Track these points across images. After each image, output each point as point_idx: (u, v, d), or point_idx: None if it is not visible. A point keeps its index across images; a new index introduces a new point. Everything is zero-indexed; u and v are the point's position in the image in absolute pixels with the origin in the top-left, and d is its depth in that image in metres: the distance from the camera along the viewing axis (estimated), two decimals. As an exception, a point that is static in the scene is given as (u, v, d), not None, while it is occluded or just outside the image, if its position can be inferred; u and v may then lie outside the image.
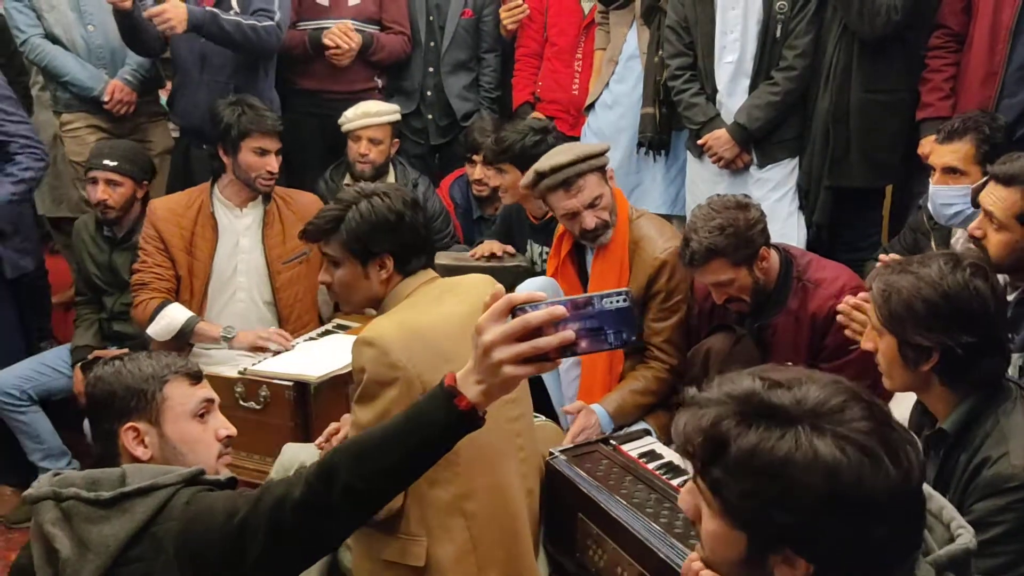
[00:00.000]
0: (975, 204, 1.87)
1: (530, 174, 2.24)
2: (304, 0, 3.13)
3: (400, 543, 1.63)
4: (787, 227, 2.65)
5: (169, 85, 3.23)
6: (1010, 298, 1.80)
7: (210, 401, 1.38)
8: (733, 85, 2.67)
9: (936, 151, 2.18)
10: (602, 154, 2.23)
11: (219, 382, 2.20)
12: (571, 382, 2.40)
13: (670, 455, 1.93)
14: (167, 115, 3.25)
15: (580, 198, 2.19)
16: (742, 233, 1.97)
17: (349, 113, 2.95)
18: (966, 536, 0.84)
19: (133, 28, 2.85)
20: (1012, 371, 1.68)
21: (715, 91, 2.70)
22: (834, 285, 2.04)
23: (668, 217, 2.83)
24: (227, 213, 2.63)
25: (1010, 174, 1.75)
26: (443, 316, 1.59)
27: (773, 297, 2.09)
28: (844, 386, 0.79)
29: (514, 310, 0.94)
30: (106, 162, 2.70)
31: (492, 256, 2.79)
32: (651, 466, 1.88)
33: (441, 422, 1.01)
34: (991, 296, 1.37)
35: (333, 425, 1.90)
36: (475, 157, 3.08)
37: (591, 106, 3.04)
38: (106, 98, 3.04)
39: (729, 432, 0.77)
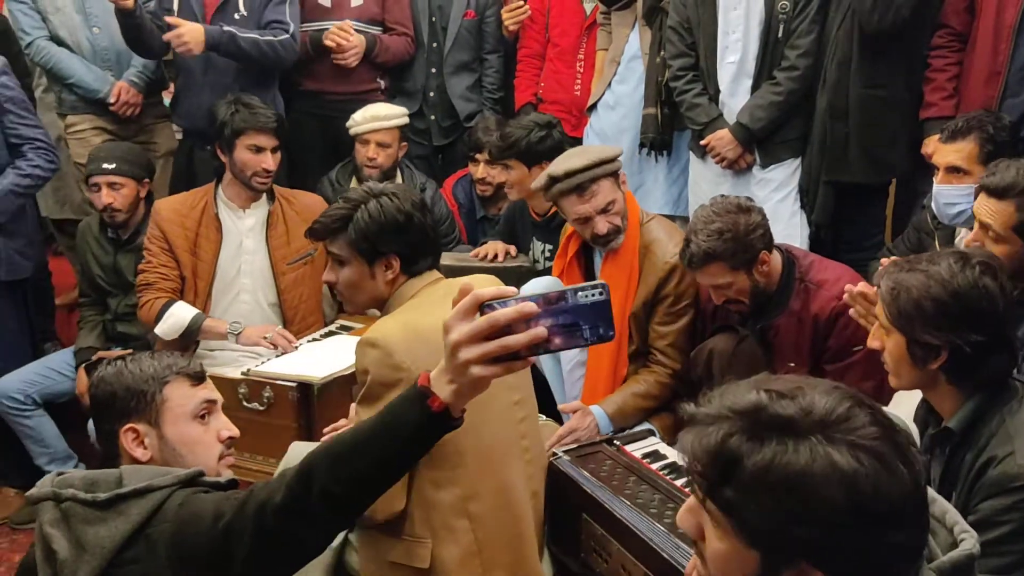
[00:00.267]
0: None
1: (543, 177, 2.22)
2: (307, 2, 3.14)
3: (405, 545, 1.63)
4: (790, 227, 2.65)
5: (172, 87, 3.24)
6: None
7: (212, 402, 1.38)
8: (735, 85, 2.67)
9: (940, 150, 2.18)
10: (615, 159, 2.22)
11: (222, 383, 2.19)
12: (575, 383, 2.40)
13: (674, 455, 1.93)
14: (171, 116, 3.26)
15: (593, 203, 2.17)
16: (741, 238, 1.97)
17: (357, 116, 2.94)
18: (969, 541, 0.82)
19: (135, 29, 2.86)
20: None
21: (717, 91, 2.70)
22: (836, 286, 2.03)
23: (671, 218, 2.83)
24: (230, 214, 2.63)
25: (1002, 186, 1.74)
26: (447, 317, 1.59)
27: (775, 298, 2.08)
28: (844, 392, 0.78)
29: (482, 307, 0.90)
30: (104, 165, 2.71)
31: (495, 257, 2.79)
32: (655, 466, 1.88)
33: (414, 423, 0.98)
34: (1000, 295, 1.37)
35: (341, 421, 1.90)
36: (478, 156, 3.09)
37: (593, 107, 3.04)
38: (112, 100, 3.05)
39: (740, 449, 0.74)
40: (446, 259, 2.69)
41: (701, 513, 0.79)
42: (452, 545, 1.62)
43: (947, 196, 2.12)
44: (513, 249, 2.86)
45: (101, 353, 2.71)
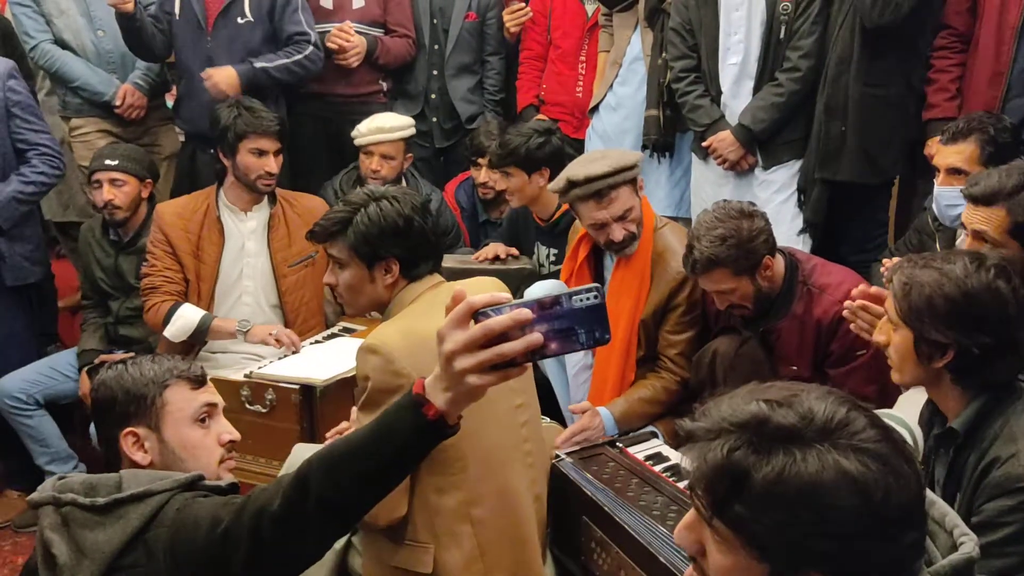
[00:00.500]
0: None
1: (561, 180, 2.19)
2: (308, 4, 3.14)
3: (408, 550, 1.62)
4: (792, 228, 2.65)
5: (175, 89, 3.24)
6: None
7: (212, 406, 1.37)
8: (737, 87, 2.67)
9: (940, 152, 2.17)
10: (635, 165, 2.19)
11: (225, 385, 2.20)
12: (580, 385, 2.40)
13: (676, 457, 1.93)
14: (174, 119, 3.26)
15: (611, 210, 2.14)
16: (744, 244, 1.95)
17: (362, 127, 2.93)
18: (969, 544, 0.81)
19: (136, 32, 2.86)
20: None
21: (719, 93, 2.70)
22: (839, 290, 2.02)
23: (673, 219, 2.83)
24: (232, 216, 2.64)
25: (989, 192, 1.73)
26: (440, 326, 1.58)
27: (777, 302, 2.07)
28: (838, 396, 0.77)
29: (476, 315, 0.89)
30: (107, 162, 2.71)
31: (496, 259, 2.79)
32: (657, 468, 1.88)
33: (409, 431, 0.97)
34: (1012, 298, 1.36)
35: (343, 424, 1.90)
36: (480, 160, 3.09)
37: (595, 108, 3.04)
38: (118, 102, 3.05)
39: (747, 463, 0.72)
40: (449, 262, 2.69)
41: (702, 529, 0.77)
42: (455, 550, 1.62)
43: (948, 198, 2.11)
44: (514, 250, 2.86)
45: (103, 356, 2.71)
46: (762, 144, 2.66)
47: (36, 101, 3.33)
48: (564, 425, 2.27)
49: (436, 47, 3.30)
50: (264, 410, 2.23)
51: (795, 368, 2.06)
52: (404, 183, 3.02)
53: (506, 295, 0.90)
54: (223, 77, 2.83)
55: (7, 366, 2.73)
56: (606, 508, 1.71)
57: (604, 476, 1.84)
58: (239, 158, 2.56)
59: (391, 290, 1.69)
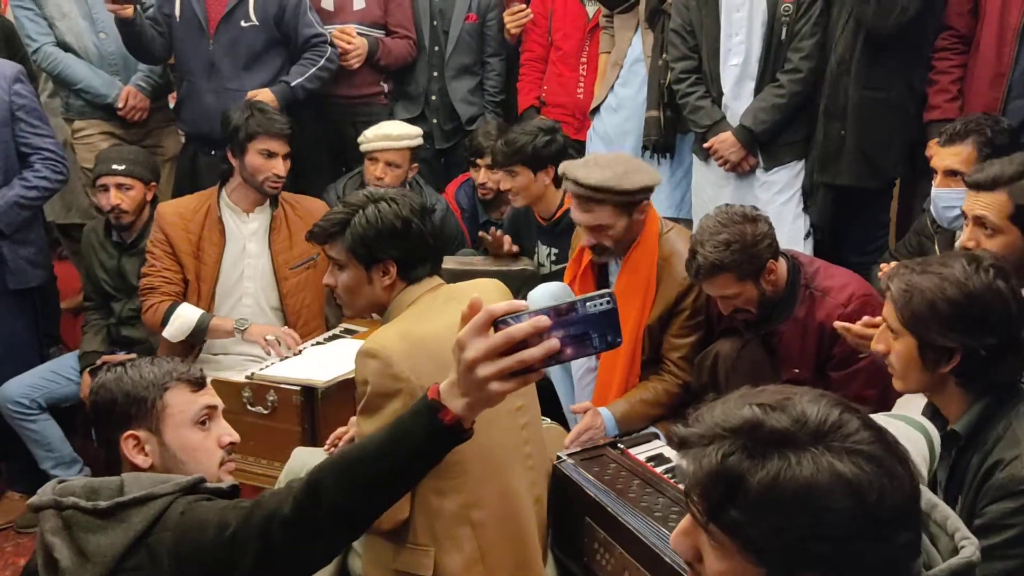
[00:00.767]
0: None
1: (562, 168, 2.24)
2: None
3: (408, 553, 1.62)
4: (794, 230, 2.64)
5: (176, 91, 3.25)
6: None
7: (212, 408, 1.38)
8: (738, 88, 2.67)
9: (938, 154, 2.17)
10: (635, 193, 2.13)
11: (227, 387, 2.21)
12: (584, 389, 2.40)
13: (678, 458, 1.92)
14: (175, 121, 3.26)
15: (586, 218, 2.17)
16: (748, 248, 1.95)
17: (368, 133, 2.93)
18: (970, 548, 0.81)
19: (136, 36, 2.87)
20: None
21: (720, 94, 2.70)
22: (842, 294, 2.02)
23: (674, 220, 2.82)
24: (234, 218, 2.64)
25: (991, 178, 1.75)
26: (447, 325, 1.57)
27: (780, 305, 2.07)
28: (831, 398, 0.77)
29: (495, 323, 0.91)
30: (114, 167, 2.71)
31: (498, 260, 2.79)
32: (659, 469, 1.88)
33: (425, 436, 0.98)
34: (1012, 297, 1.36)
35: (340, 429, 1.90)
36: (479, 161, 3.09)
37: (596, 110, 3.04)
38: (120, 104, 3.06)
39: (742, 467, 0.73)
40: (449, 262, 2.69)
41: (698, 535, 0.77)
42: (455, 553, 1.62)
43: (945, 199, 2.11)
44: (515, 248, 2.85)
45: (106, 358, 2.71)
46: (763, 145, 2.66)
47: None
48: (566, 427, 2.28)
49: (436, 48, 3.30)
50: (265, 411, 2.24)
51: (797, 371, 2.06)
52: (408, 190, 3.02)
53: (523, 303, 0.92)
54: (258, 95, 2.83)
55: (10, 368, 2.73)
56: (609, 509, 1.71)
57: (606, 477, 1.83)
58: (248, 159, 2.56)
59: (389, 292, 1.69)
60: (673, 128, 2.87)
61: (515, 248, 2.84)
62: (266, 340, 2.47)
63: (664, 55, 2.81)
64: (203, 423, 1.36)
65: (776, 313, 2.07)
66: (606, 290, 0.93)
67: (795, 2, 2.56)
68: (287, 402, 2.22)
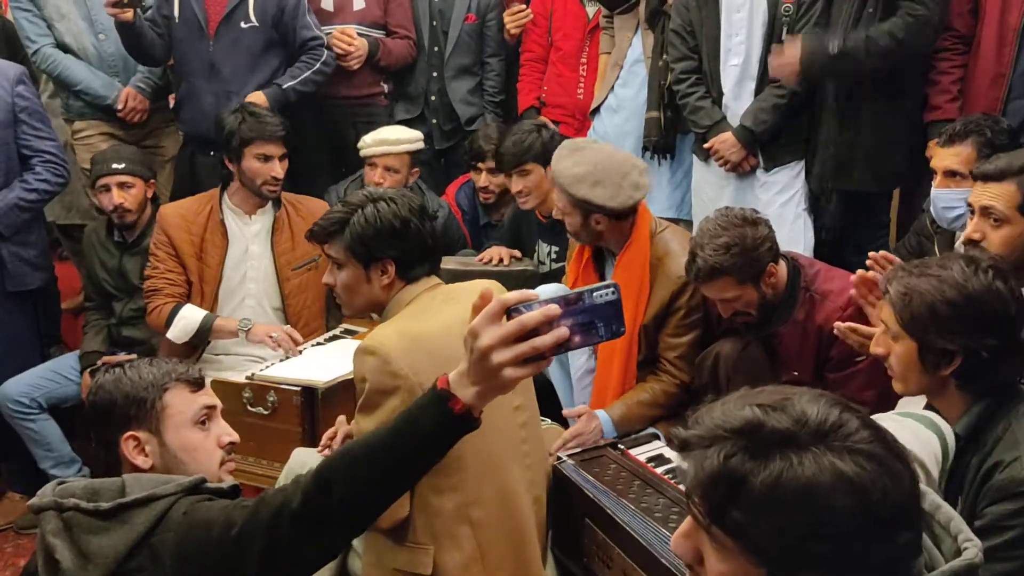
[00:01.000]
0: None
1: (555, 153, 2.27)
2: (310, 6, 3.15)
3: (408, 552, 1.63)
4: (794, 230, 2.64)
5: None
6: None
7: (211, 408, 1.38)
8: (739, 88, 2.66)
9: (937, 154, 2.16)
10: (604, 208, 2.11)
11: (227, 387, 2.21)
12: (583, 388, 2.39)
13: (678, 459, 1.92)
14: (174, 122, 3.27)
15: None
16: (748, 252, 1.94)
17: (368, 138, 2.93)
18: (972, 550, 0.81)
19: (135, 38, 2.87)
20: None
21: (720, 94, 2.70)
22: (842, 297, 2.01)
23: (674, 221, 2.82)
24: (236, 219, 2.64)
25: (1000, 169, 1.76)
26: (445, 323, 1.59)
27: (780, 307, 2.06)
28: (831, 398, 0.77)
29: (508, 311, 0.94)
30: (114, 166, 2.72)
31: (499, 261, 2.79)
32: (659, 470, 1.88)
33: (435, 426, 1.00)
34: (1011, 298, 1.36)
35: (330, 430, 1.90)
36: (480, 165, 3.07)
37: (596, 110, 3.04)
38: (120, 106, 3.06)
39: (744, 468, 0.73)
40: (449, 263, 2.70)
41: (699, 537, 0.77)
42: (454, 551, 1.62)
43: (945, 200, 2.11)
44: (517, 253, 2.85)
45: (106, 358, 2.72)
46: (764, 145, 2.66)
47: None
48: (565, 427, 2.28)
49: (436, 49, 3.30)
50: (266, 412, 2.24)
51: (796, 373, 2.05)
52: None
53: (533, 292, 0.95)
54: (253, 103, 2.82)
55: (11, 368, 2.74)
56: (608, 510, 1.71)
57: (606, 478, 1.83)
58: (244, 164, 2.57)
59: (388, 291, 1.70)
60: (673, 129, 2.87)
61: (516, 253, 2.84)
62: (271, 337, 2.47)
63: (664, 56, 2.81)
64: (203, 423, 1.36)
65: (776, 315, 2.07)
66: (611, 281, 0.96)
67: (795, 2, 2.55)
68: (287, 403, 2.23)
